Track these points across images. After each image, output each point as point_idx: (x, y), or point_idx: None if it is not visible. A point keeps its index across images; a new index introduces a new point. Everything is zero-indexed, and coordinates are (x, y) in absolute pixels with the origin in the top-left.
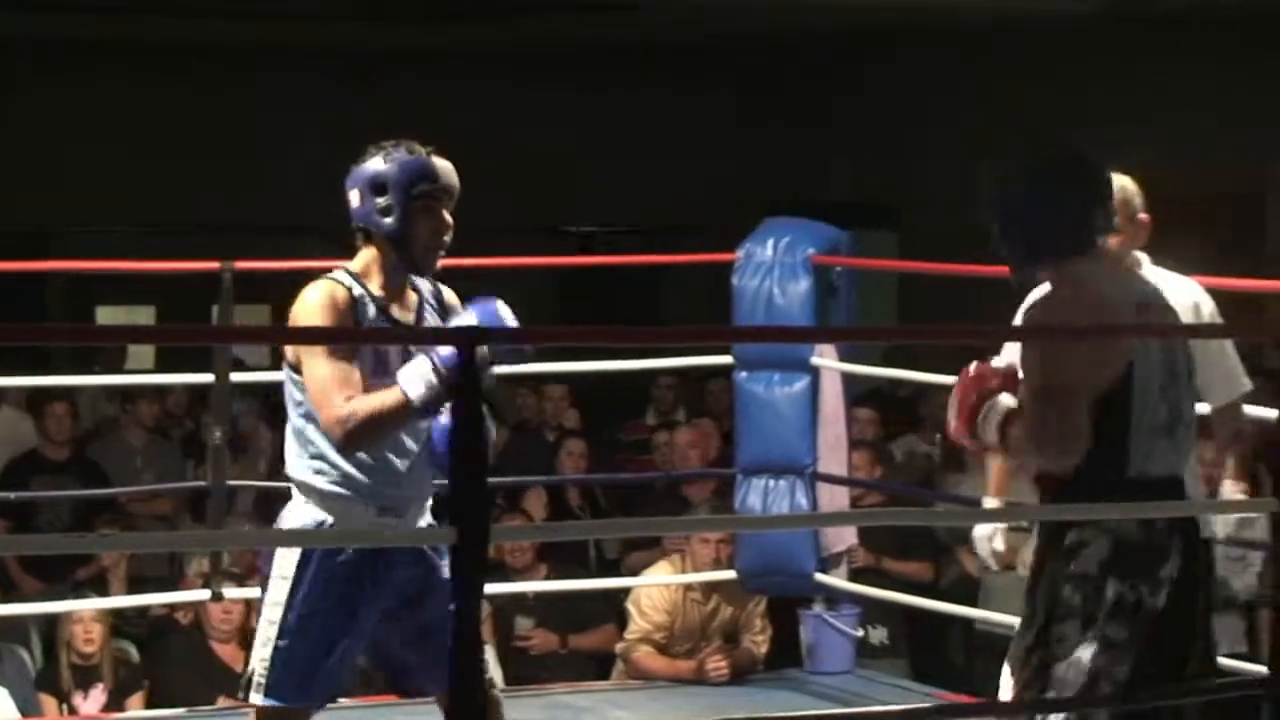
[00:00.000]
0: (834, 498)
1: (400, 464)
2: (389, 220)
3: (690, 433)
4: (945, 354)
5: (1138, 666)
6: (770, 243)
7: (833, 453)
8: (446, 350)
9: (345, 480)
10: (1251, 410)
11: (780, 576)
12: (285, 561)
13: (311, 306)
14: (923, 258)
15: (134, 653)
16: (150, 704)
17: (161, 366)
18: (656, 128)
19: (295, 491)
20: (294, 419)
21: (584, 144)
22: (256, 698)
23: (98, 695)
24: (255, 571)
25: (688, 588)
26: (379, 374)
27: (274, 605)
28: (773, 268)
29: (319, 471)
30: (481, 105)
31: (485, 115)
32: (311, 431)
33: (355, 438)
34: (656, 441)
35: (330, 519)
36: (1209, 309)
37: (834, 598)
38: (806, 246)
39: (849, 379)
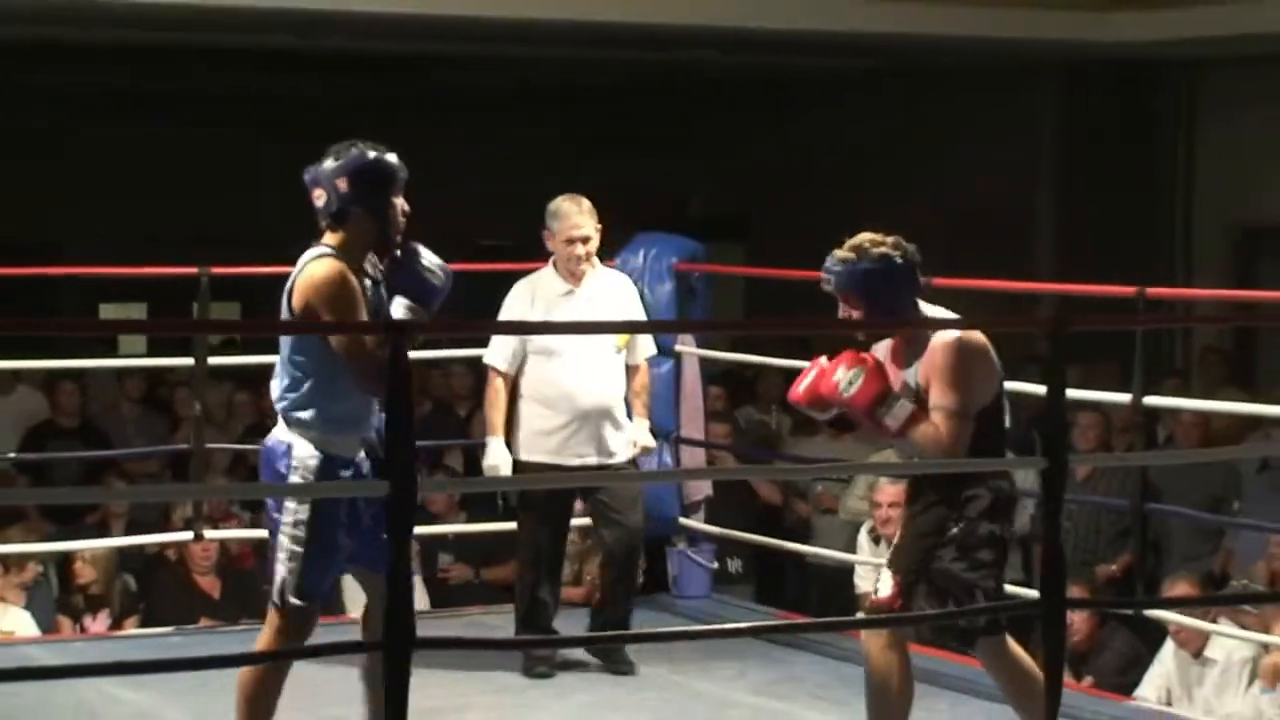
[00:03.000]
0: (693, 457)
1: (373, 404)
2: (379, 204)
3: None
4: (780, 343)
5: (998, 579)
6: (641, 253)
7: (692, 421)
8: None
9: (344, 416)
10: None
11: (652, 521)
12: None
13: (330, 274)
14: (765, 265)
15: (132, 583)
16: (145, 624)
17: (152, 352)
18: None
19: (288, 428)
20: (294, 369)
21: (491, 177)
22: (293, 600)
23: (103, 617)
24: (228, 517)
25: None
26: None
27: (297, 524)
28: (644, 273)
29: (320, 411)
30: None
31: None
32: (313, 375)
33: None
34: None
35: (324, 451)
36: (635, 298)
37: (694, 537)
38: (670, 256)
39: (705, 362)
